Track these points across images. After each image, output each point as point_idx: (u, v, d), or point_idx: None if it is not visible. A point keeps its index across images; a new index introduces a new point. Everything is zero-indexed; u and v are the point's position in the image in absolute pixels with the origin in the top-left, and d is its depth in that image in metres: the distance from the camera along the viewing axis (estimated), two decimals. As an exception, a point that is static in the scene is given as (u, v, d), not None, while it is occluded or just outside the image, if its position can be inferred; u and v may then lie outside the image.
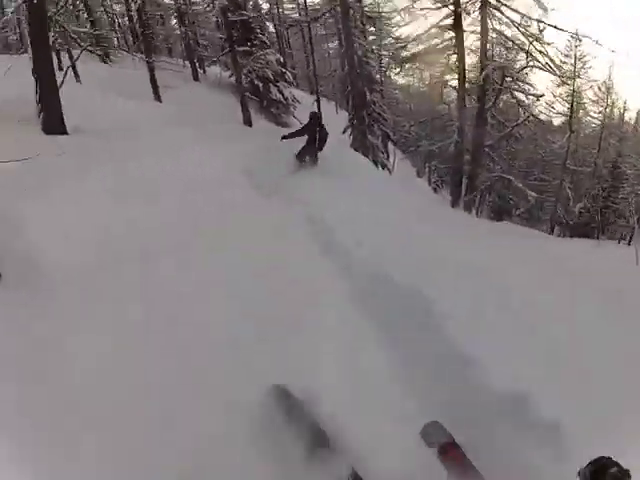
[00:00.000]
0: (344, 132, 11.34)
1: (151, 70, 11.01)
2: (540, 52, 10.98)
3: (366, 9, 13.79)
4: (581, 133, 17.14)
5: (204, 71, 17.66)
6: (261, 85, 14.05)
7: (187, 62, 16.34)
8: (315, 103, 12.21)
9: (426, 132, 15.05)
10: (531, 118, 12.09)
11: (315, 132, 7.32)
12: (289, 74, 13.99)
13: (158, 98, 11.50)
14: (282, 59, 14.87)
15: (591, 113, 18.56)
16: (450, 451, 2.38)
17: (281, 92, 13.73)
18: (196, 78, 16.18)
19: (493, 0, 10.92)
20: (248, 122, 11.70)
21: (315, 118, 7.65)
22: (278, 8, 18.96)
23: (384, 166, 10.96)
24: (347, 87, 11.38)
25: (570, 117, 14.81)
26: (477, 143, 9.74)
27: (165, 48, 18.47)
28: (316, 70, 13.42)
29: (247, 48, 14.08)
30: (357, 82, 10.24)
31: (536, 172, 16.71)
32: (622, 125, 19.97)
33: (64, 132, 6.97)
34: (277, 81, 13.96)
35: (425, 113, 14.51)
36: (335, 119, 13.58)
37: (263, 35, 14.86)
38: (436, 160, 14.95)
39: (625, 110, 18.56)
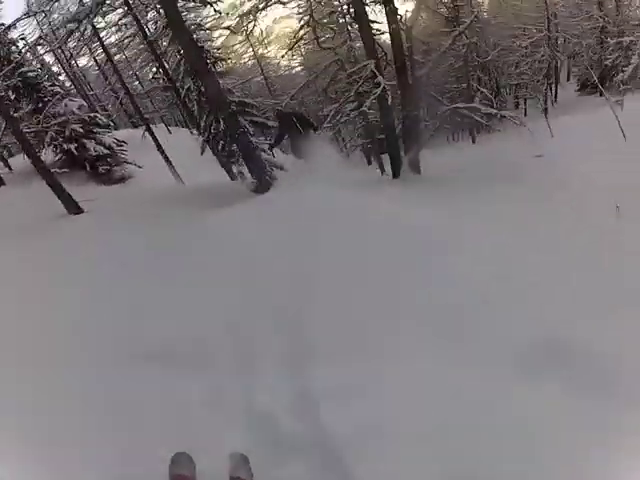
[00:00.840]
0: (203, 152, 7.75)
1: None
2: None
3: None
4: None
5: (9, 168, 13.15)
6: (74, 147, 10.10)
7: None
8: (145, 132, 8.51)
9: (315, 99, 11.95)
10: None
11: (293, 126, 6.46)
12: (101, 117, 10.08)
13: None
14: (87, 104, 10.98)
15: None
16: None
17: (101, 142, 9.81)
18: (1, 182, 11.73)
19: None
20: (74, 208, 7.13)
21: (282, 115, 6.80)
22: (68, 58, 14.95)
23: (277, 166, 7.61)
24: (179, 91, 7.73)
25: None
26: (403, 80, 6.07)
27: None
28: (133, 97, 9.64)
29: (33, 108, 10.17)
30: (199, 65, 6.42)
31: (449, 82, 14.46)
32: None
33: None
34: (91, 132, 10.05)
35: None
36: (175, 140, 10.00)
37: (55, 87, 10.86)
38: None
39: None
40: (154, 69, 8.69)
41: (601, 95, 18.02)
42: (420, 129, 6.70)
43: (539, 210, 4.07)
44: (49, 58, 15.87)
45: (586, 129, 10.38)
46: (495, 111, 6.31)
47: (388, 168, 7.85)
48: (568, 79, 21.74)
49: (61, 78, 15.51)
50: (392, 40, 5.76)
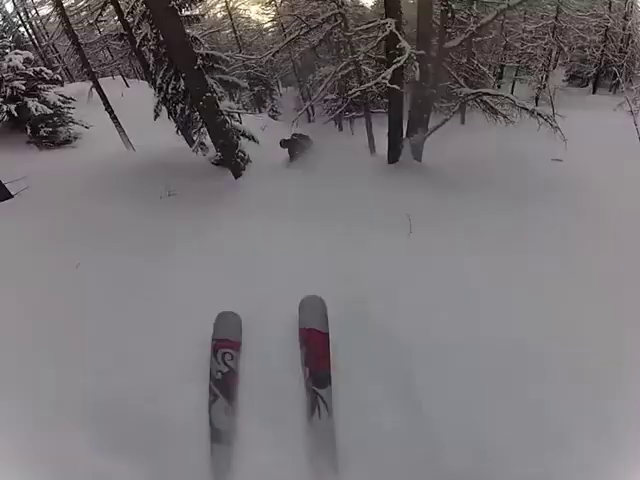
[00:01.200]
0: (157, 116, 6.41)
1: None
2: None
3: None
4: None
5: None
6: (14, 107, 8.57)
7: None
8: (92, 90, 7.11)
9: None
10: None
11: (297, 145, 7.00)
12: (48, 70, 8.53)
13: None
14: (33, 56, 9.35)
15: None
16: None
17: (44, 101, 8.31)
18: None
19: None
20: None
21: (288, 142, 7.00)
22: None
23: (247, 136, 6.35)
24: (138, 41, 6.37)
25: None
26: (425, 49, 4.78)
27: None
28: (81, 46, 8.09)
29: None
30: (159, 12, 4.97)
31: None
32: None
33: None
34: (35, 88, 8.53)
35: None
36: (132, 95, 8.66)
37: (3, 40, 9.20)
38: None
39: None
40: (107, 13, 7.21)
41: (594, 92, 17.52)
42: (432, 111, 5.61)
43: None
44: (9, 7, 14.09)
45: (595, 127, 9.45)
46: (531, 106, 5.15)
47: (378, 145, 6.74)
48: (554, 67, 21.65)
49: (22, 30, 13.82)
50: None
